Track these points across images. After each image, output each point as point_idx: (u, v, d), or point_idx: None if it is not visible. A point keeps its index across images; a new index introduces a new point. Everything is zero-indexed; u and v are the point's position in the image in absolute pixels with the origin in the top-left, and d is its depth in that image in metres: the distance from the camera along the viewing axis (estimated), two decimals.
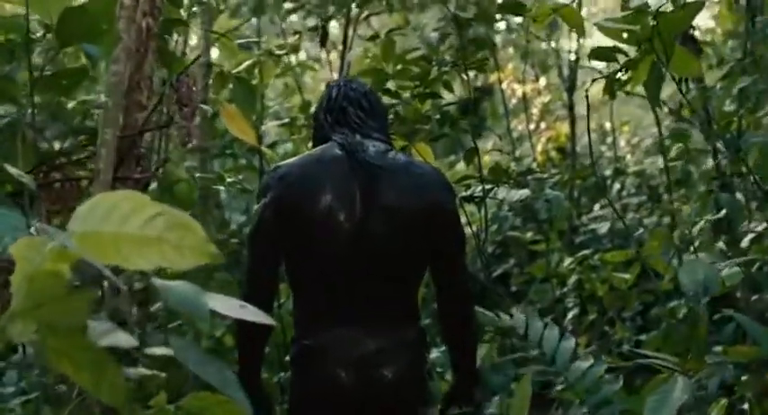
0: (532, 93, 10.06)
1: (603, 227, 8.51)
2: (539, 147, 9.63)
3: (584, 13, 10.67)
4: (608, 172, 8.80)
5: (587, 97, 4.27)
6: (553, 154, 9.63)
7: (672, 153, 6.39)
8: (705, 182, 5.59)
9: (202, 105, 4.62)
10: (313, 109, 3.89)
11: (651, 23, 3.93)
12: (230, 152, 7.03)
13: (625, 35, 4.29)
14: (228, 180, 5.06)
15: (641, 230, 7.76)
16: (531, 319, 4.10)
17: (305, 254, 3.40)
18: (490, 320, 4.19)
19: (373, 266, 3.38)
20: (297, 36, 6.83)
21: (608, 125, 11.22)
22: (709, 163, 9.60)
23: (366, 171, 3.40)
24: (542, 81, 10.53)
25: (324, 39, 5.92)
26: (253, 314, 1.94)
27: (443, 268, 3.53)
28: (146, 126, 3.50)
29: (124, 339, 1.82)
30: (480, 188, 4.77)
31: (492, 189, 4.75)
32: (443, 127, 4.66)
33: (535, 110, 10.16)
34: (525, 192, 4.74)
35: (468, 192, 4.77)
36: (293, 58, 7.06)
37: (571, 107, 8.66)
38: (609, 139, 10.81)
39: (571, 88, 8.81)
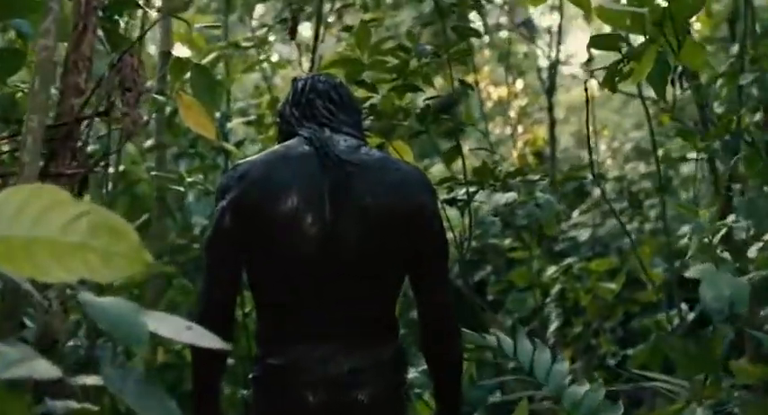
0: (509, 97, 9.56)
1: (584, 234, 8.06)
2: (514, 152, 9.14)
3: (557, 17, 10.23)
4: (587, 178, 8.34)
5: (587, 90, 3.74)
6: (530, 158, 9.13)
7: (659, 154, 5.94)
8: (713, 187, 5.05)
9: (158, 96, 4.07)
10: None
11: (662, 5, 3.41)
12: (194, 150, 6.48)
13: (628, 21, 3.79)
14: (189, 180, 4.51)
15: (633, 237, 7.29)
16: (519, 339, 3.57)
17: (268, 261, 3.03)
18: (473, 338, 3.67)
19: (345, 275, 3.02)
20: (265, 29, 6.30)
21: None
22: (691, 167, 9.32)
23: (336, 168, 3.02)
24: (519, 84, 10.03)
25: (293, 31, 5.37)
26: (203, 338, 1.75)
27: (424, 276, 3.14)
28: (83, 113, 2.93)
29: (43, 369, 1.55)
30: (463, 191, 4.27)
31: (476, 191, 4.25)
32: (424, 123, 4.13)
33: (512, 114, 9.65)
34: (512, 195, 4.27)
35: (450, 195, 4.27)
36: (262, 55, 6.48)
37: (551, 109, 8.16)
38: (591, 143, 10.38)
39: (550, 90, 8.33)
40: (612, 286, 6.37)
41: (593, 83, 12.93)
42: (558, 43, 8.59)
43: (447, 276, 3.20)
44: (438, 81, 5.27)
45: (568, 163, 9.19)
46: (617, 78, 3.88)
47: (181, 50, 6.36)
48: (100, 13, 3.61)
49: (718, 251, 5.16)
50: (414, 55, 4.22)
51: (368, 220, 2.99)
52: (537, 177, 4.16)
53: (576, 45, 15.61)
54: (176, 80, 3.88)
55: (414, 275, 3.14)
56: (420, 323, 3.20)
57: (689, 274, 4.40)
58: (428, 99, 4.26)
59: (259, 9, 8.51)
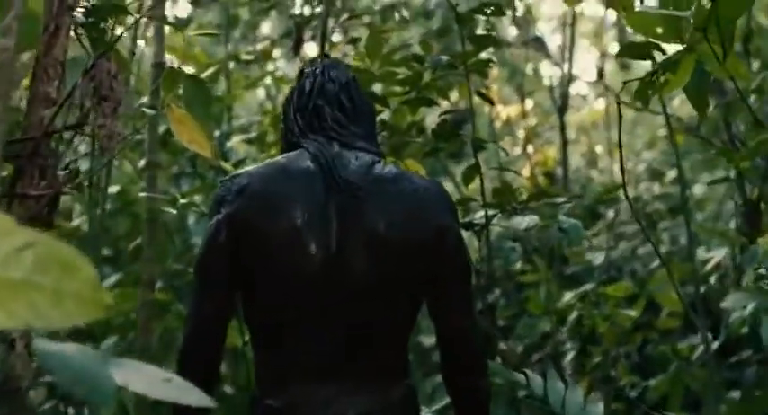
0: (522, 116, 9.14)
1: (598, 258, 7.63)
2: (525, 172, 8.70)
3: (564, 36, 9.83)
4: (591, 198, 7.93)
5: (619, 106, 3.31)
6: (541, 179, 8.69)
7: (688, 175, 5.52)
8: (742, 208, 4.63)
9: (148, 110, 3.64)
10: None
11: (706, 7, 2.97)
12: (194, 170, 6.05)
13: (660, 30, 3.36)
14: (182, 201, 4.07)
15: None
16: (550, 378, 3.13)
17: (266, 291, 2.64)
18: (501, 371, 3.22)
19: (352, 308, 2.61)
20: (268, 43, 5.88)
21: (599, 149, 10.40)
22: (705, 188, 8.96)
23: (344, 191, 2.63)
24: (529, 103, 9.61)
25: (298, 46, 4.94)
26: (184, 392, 1.44)
27: (444, 304, 2.74)
28: (54, 126, 2.49)
29: None
30: (479, 214, 3.83)
31: (494, 215, 3.81)
32: (440, 140, 3.70)
33: (521, 133, 9.23)
34: (534, 219, 3.82)
35: (467, 219, 3.83)
36: (266, 68, 6.05)
37: (563, 128, 7.73)
38: (600, 164, 10.01)
39: (562, 109, 7.89)
40: (632, 313, 5.92)
41: (601, 102, 12.64)
42: (570, 60, 8.18)
43: (471, 302, 2.78)
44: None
45: (579, 184, 8.79)
46: (650, 91, 3.43)
47: (179, 65, 5.93)
48: (82, 17, 3.25)
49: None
50: (428, 66, 3.80)
51: (379, 247, 2.60)
52: (562, 199, 3.71)
53: (584, 65, 15.25)
54: (169, 92, 3.45)
55: (433, 302, 2.75)
56: (441, 354, 2.80)
57: (729, 305, 3.99)
58: (444, 113, 3.83)
59: (264, 28, 8.09)
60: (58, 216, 5.51)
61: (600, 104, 12.60)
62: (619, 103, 3.35)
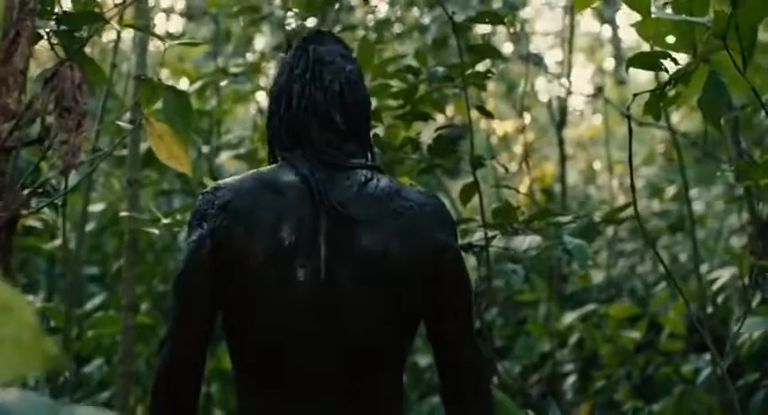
0: (520, 131, 8.87)
1: (597, 276, 7.38)
2: (522, 189, 8.43)
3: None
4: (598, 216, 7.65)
5: (629, 119, 3.05)
6: (538, 195, 8.43)
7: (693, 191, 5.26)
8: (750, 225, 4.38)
9: (124, 124, 3.38)
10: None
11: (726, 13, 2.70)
12: (183, 187, 5.78)
13: (671, 39, 3.10)
14: (165, 221, 3.80)
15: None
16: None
17: (248, 320, 2.38)
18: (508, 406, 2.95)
19: (342, 338, 2.36)
20: (258, 55, 5.62)
21: (597, 165, 10.15)
22: (703, 205, 8.73)
23: (335, 213, 2.37)
24: (525, 118, 9.34)
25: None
26: None
27: (444, 332, 2.48)
28: (17, 140, 2.22)
29: None
30: (477, 235, 3.57)
31: (494, 236, 3.55)
32: (436, 156, 3.43)
33: (518, 149, 8.96)
34: (536, 239, 3.57)
35: (466, 240, 3.57)
36: (257, 82, 5.79)
37: (561, 144, 7.47)
38: (599, 180, 9.76)
39: (561, 124, 7.64)
40: (635, 334, 5.66)
41: (597, 118, 12.38)
42: (569, 75, 7.93)
43: (473, 330, 2.51)
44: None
45: (577, 201, 8.55)
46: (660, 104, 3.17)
47: (159, 77, 5.67)
48: (54, 25, 2.98)
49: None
50: (424, 78, 3.54)
51: (373, 272, 2.35)
52: (568, 219, 3.45)
53: (580, 80, 15.03)
54: (148, 106, 3.19)
55: (431, 326, 2.49)
56: (440, 381, 2.53)
57: (746, 330, 3.73)
58: (440, 128, 3.57)
59: (258, 44, 7.83)
60: (43, 235, 5.27)
61: (596, 120, 12.38)
62: (629, 117, 3.08)
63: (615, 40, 12.51)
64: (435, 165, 3.52)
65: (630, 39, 12.88)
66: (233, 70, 5.44)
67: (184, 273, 2.38)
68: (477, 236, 3.60)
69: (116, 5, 3.11)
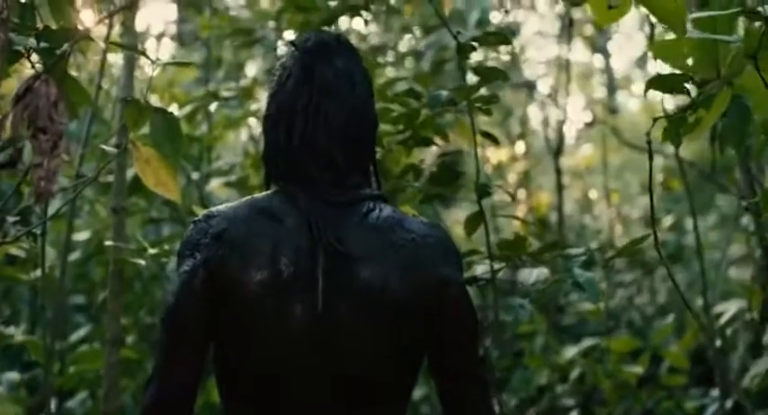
0: (509, 161, 8.67)
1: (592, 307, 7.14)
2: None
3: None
4: (593, 246, 7.44)
5: (650, 145, 2.83)
6: (533, 225, 8.20)
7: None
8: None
9: (109, 148, 3.15)
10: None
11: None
12: (172, 215, 5.54)
13: (691, 60, 2.88)
14: (152, 251, 3.56)
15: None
16: None
17: (242, 351, 2.25)
18: None
19: (340, 371, 2.22)
20: (250, 80, 5.40)
21: (593, 194, 9.94)
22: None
23: (333, 248, 2.22)
24: (520, 146, 9.14)
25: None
26: None
27: (449, 368, 2.33)
28: None
29: None
30: (482, 268, 3.35)
31: (500, 269, 3.32)
32: (438, 184, 3.21)
33: (512, 178, 8.74)
34: (544, 272, 3.34)
35: (469, 273, 3.34)
36: (248, 107, 5.56)
37: (558, 172, 7.27)
38: (596, 210, 9.55)
39: (558, 152, 7.44)
40: (637, 369, 5.43)
41: (586, 148, 12.21)
42: (566, 103, 7.74)
43: (478, 364, 2.35)
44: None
45: (573, 231, 8.32)
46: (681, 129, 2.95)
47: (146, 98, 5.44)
48: (33, 41, 2.75)
49: None
50: (425, 103, 3.31)
51: (372, 307, 2.21)
52: (580, 251, 3.23)
53: (572, 109, 14.87)
54: (134, 129, 2.95)
55: (435, 365, 2.34)
56: None
57: (762, 368, 3.51)
58: (443, 155, 3.34)
59: (249, 70, 7.61)
60: (26, 264, 5.02)
61: (586, 149, 12.21)
62: (649, 143, 2.86)
63: (607, 70, 12.38)
64: (436, 195, 3.29)
65: (621, 68, 12.80)
66: (224, 94, 5.22)
67: (176, 305, 2.22)
68: (481, 269, 3.38)
69: (100, 20, 2.89)
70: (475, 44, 3.24)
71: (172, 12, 10.74)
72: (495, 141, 3.37)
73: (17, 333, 4.48)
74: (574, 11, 8.72)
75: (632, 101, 13.59)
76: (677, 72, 2.91)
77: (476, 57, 7.55)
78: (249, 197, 2.38)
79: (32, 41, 2.74)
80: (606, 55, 12.03)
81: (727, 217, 8.12)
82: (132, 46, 3.29)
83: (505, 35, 3.19)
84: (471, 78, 3.34)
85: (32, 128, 2.04)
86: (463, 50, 3.22)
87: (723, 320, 5.09)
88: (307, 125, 2.30)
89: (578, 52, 12.39)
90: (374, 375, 2.25)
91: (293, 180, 2.31)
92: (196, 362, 2.24)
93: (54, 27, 2.79)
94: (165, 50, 9.31)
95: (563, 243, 3.47)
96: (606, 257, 3.51)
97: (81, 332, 5.36)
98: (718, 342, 4.98)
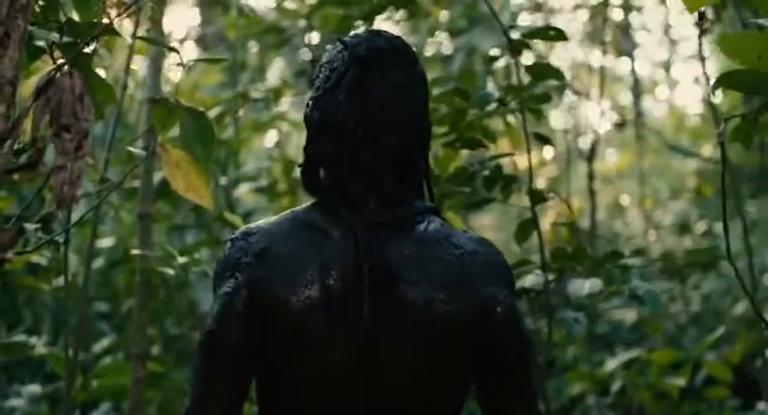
0: (536, 166, 8.39)
1: (628, 316, 6.89)
2: (546, 225, 7.93)
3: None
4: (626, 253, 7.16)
5: (722, 146, 2.56)
6: (563, 232, 7.92)
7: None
8: None
9: (136, 150, 2.91)
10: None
11: None
12: (200, 222, 5.31)
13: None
14: (182, 260, 3.32)
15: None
16: None
17: (285, 381, 2.09)
18: None
19: (387, 403, 2.08)
20: (280, 82, 5.15)
21: (624, 199, 9.66)
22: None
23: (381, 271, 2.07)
24: (548, 151, 8.87)
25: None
26: None
27: (500, 395, 2.12)
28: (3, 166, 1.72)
29: None
30: (530, 278, 3.09)
31: (553, 280, 3.07)
32: (492, 188, 2.96)
33: (541, 183, 8.46)
34: (598, 283, 3.09)
35: (520, 284, 3.08)
36: (276, 109, 5.31)
37: (591, 177, 7.00)
38: (629, 216, 9.27)
39: (591, 156, 7.17)
40: (680, 381, 5.16)
41: (610, 153, 11.93)
42: (600, 107, 7.48)
43: (532, 393, 2.13)
44: None
45: (605, 239, 8.04)
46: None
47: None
48: (56, 35, 2.51)
49: None
50: (474, 102, 3.06)
51: (417, 327, 2.06)
52: (638, 261, 2.98)
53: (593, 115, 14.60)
54: (163, 131, 2.70)
55: (485, 395, 2.14)
56: None
57: None
58: (494, 158, 3.09)
59: (272, 74, 7.37)
60: (48, 272, 4.78)
61: (610, 155, 11.94)
62: (722, 144, 2.59)
63: (633, 74, 12.09)
64: (490, 199, 3.04)
65: (646, 73, 12.50)
66: (254, 95, 4.97)
67: (216, 329, 2.05)
68: (530, 280, 3.13)
69: (125, 10, 2.64)
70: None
71: (194, 15, 10.56)
72: (548, 143, 3.11)
73: (39, 344, 4.25)
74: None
75: (659, 107, 13.31)
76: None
77: (500, 61, 7.33)
78: (288, 211, 2.21)
79: (55, 36, 2.52)
80: (632, 58, 11.77)
81: (755, 223, 7.87)
82: (160, 41, 3.04)
83: (561, 30, 2.92)
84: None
85: (55, 126, 1.79)
86: (515, 48, 2.96)
87: None
88: (356, 145, 2.12)
89: (599, 57, 12.16)
90: (415, 397, 2.09)
91: (336, 196, 2.14)
92: (237, 394, 2.06)
93: (78, 21, 2.57)
94: (189, 55, 9.08)
95: (610, 252, 3.19)
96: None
97: (104, 342, 5.12)
98: None
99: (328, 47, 2.28)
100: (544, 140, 3.08)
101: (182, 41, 8.69)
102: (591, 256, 2.97)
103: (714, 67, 11.08)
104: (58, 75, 1.86)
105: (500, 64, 6.57)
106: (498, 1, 6.95)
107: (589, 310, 3.12)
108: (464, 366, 2.12)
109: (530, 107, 3.07)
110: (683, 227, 8.03)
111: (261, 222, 2.19)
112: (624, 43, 10.72)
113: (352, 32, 2.33)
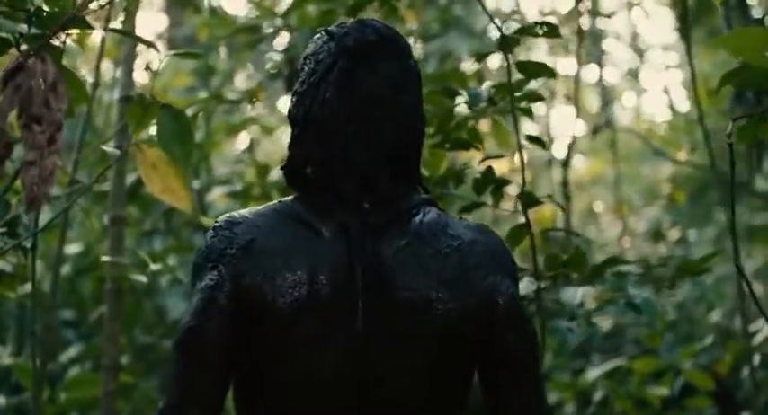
0: (509, 172, 8.26)
1: (604, 323, 6.75)
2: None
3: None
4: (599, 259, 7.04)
5: (731, 147, 2.42)
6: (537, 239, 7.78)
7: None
8: None
9: (109, 149, 2.73)
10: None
11: None
12: (167, 226, 5.13)
13: None
14: (154, 267, 3.13)
15: None
16: None
17: (270, 384, 1.96)
18: None
19: (383, 407, 1.96)
20: (256, 83, 4.99)
21: (597, 206, 9.56)
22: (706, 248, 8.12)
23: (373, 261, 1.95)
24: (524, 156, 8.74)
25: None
26: None
27: (503, 391, 2.01)
28: None
29: None
30: (524, 284, 2.94)
31: (545, 287, 2.93)
32: (483, 192, 2.81)
33: (513, 190, 8.32)
34: (589, 291, 2.98)
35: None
36: (250, 112, 5.15)
37: (565, 184, 6.87)
38: (603, 223, 9.18)
39: (566, 162, 7.06)
40: (663, 390, 5.02)
41: (579, 161, 11.84)
42: (574, 115, 7.37)
43: (538, 390, 2.03)
44: None
45: (578, 246, 7.92)
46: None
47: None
48: (24, 27, 2.33)
49: None
50: (459, 102, 2.91)
51: (414, 328, 1.94)
52: (634, 268, 2.85)
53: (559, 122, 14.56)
54: (138, 129, 2.53)
55: (487, 388, 2.03)
56: None
57: None
58: (486, 159, 2.94)
59: (242, 79, 7.19)
60: (13, 279, 4.58)
61: (578, 162, 11.87)
62: (731, 145, 2.44)
63: (601, 83, 12.03)
64: (480, 204, 2.89)
65: (613, 80, 12.44)
66: (229, 96, 4.80)
67: (195, 326, 1.91)
68: (522, 287, 2.97)
69: (101, 7, 2.47)
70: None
71: (162, 20, 10.37)
72: (542, 145, 2.96)
73: (3, 354, 4.06)
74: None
75: (626, 114, 13.26)
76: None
77: (471, 66, 7.18)
78: (273, 202, 2.07)
79: (23, 27, 2.34)
80: (601, 66, 11.71)
81: (726, 231, 7.79)
82: (133, 34, 2.86)
83: (556, 26, 2.77)
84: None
85: (24, 117, 1.60)
86: (508, 45, 2.81)
87: (757, 340, 4.69)
88: (347, 143, 1.99)
89: (567, 63, 12.13)
90: (413, 398, 1.98)
91: (327, 194, 2.01)
92: (218, 396, 1.92)
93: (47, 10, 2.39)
94: (159, 56, 8.88)
95: (608, 258, 3.05)
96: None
97: (72, 352, 4.92)
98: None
99: (315, 37, 2.13)
100: (537, 142, 2.92)
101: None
102: (585, 261, 2.82)
103: (683, 76, 11.10)
104: (29, 60, 1.67)
105: (473, 66, 6.47)
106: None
107: (583, 318, 2.95)
108: (466, 363, 2.02)
109: (520, 107, 2.90)
110: (657, 234, 7.95)
111: (245, 211, 2.04)
112: (593, 51, 10.66)
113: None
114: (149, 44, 2.64)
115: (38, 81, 1.66)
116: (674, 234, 7.95)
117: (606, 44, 11.52)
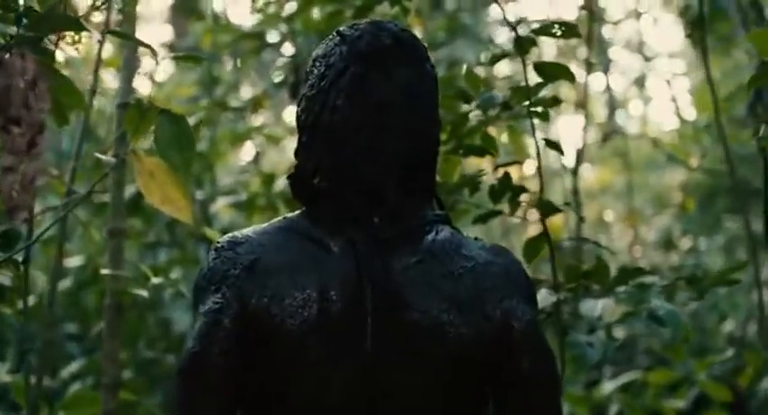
0: (519, 180, 8.14)
1: (618, 332, 6.62)
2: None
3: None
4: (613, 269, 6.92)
5: (764, 150, 2.28)
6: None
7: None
8: None
9: (105, 157, 2.60)
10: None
11: None
12: (171, 238, 5.00)
13: None
14: (155, 280, 3.01)
15: None
16: None
17: (277, 404, 1.89)
18: None
19: None
20: (260, 91, 4.87)
21: (608, 215, 9.43)
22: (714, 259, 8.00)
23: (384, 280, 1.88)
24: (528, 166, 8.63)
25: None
26: None
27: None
28: None
29: None
30: (542, 295, 2.80)
31: (565, 300, 2.80)
32: (500, 200, 2.68)
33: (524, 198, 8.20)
34: (609, 304, 2.85)
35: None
36: (254, 121, 5.04)
37: (576, 193, 6.73)
38: (613, 232, 9.05)
39: (576, 169, 6.93)
40: (679, 403, 4.91)
41: (587, 170, 11.70)
42: (583, 123, 7.24)
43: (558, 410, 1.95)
44: None
45: (590, 254, 7.80)
46: None
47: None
48: (14, 29, 2.20)
49: None
50: (479, 105, 2.77)
51: (425, 352, 1.87)
52: (656, 279, 2.72)
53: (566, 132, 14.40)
54: (135, 136, 2.40)
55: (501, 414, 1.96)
56: None
57: None
58: (502, 166, 2.80)
59: (246, 89, 7.08)
60: (13, 293, 4.45)
61: (586, 170, 11.74)
62: (764, 149, 2.30)
63: (608, 91, 11.92)
64: (497, 212, 2.75)
65: (620, 89, 12.30)
66: (233, 104, 4.69)
67: (200, 352, 1.84)
68: (541, 300, 2.84)
69: (96, 8, 2.34)
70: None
71: (167, 31, 10.28)
72: (560, 151, 2.83)
73: (2, 371, 3.92)
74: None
75: (631, 122, 13.14)
76: None
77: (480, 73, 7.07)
78: (278, 218, 2.00)
79: (14, 29, 2.21)
80: (607, 74, 11.61)
81: (735, 239, 7.65)
82: (133, 37, 2.73)
83: (574, 25, 2.64)
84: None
85: (2, 119, 1.47)
86: (523, 45, 2.68)
87: None
88: (356, 154, 1.90)
89: (575, 71, 11.94)
90: None
91: (335, 208, 1.91)
92: None
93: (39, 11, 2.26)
94: (161, 69, 8.78)
95: (631, 269, 2.91)
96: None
97: (73, 367, 4.79)
98: None
99: (327, 38, 2.01)
100: (555, 147, 2.78)
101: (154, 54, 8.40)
102: (607, 272, 2.68)
103: (690, 84, 10.96)
104: (6, 56, 1.54)
105: (481, 72, 6.35)
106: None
107: (603, 331, 2.82)
108: (481, 384, 1.94)
109: (537, 111, 2.77)
110: (668, 243, 7.82)
111: (248, 230, 1.97)
112: (600, 58, 10.56)
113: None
114: (147, 47, 2.51)
115: (17, 79, 1.52)
116: (685, 243, 7.80)
117: (613, 52, 11.41)
